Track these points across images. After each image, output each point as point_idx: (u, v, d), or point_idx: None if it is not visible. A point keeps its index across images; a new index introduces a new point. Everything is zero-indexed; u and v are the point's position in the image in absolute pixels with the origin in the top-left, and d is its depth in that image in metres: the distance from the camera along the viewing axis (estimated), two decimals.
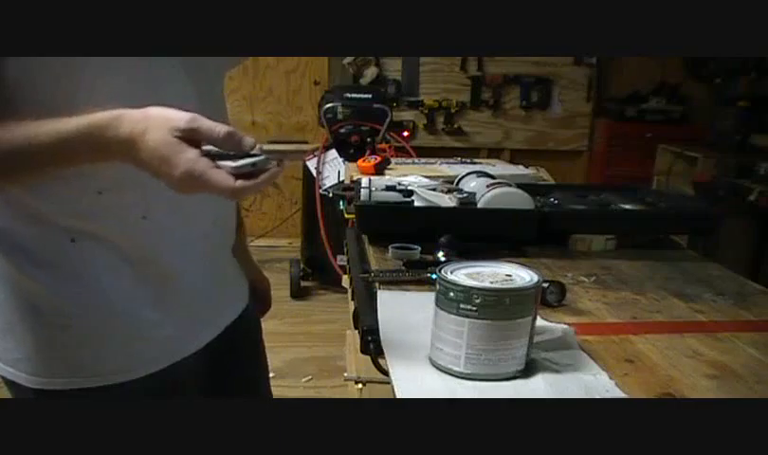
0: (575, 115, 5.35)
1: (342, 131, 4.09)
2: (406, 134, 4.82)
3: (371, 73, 5.01)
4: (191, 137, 0.84)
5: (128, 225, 1.00)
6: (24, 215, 0.98)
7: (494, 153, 5.06)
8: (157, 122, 0.84)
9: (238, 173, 0.84)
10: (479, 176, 1.77)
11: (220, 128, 0.85)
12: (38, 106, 0.89)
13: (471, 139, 5.28)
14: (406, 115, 5.14)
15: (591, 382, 0.92)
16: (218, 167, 0.84)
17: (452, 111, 5.21)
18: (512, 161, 3.64)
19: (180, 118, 0.85)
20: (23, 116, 0.88)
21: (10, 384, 1.03)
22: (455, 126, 5.26)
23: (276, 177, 0.87)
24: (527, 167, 2.43)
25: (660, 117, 5.19)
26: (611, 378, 0.94)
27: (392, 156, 2.83)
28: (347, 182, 2.48)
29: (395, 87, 5.11)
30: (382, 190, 1.71)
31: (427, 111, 5.20)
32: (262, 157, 0.86)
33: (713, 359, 1.02)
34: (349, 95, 4.21)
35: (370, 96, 4.22)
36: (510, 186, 1.62)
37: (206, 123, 0.86)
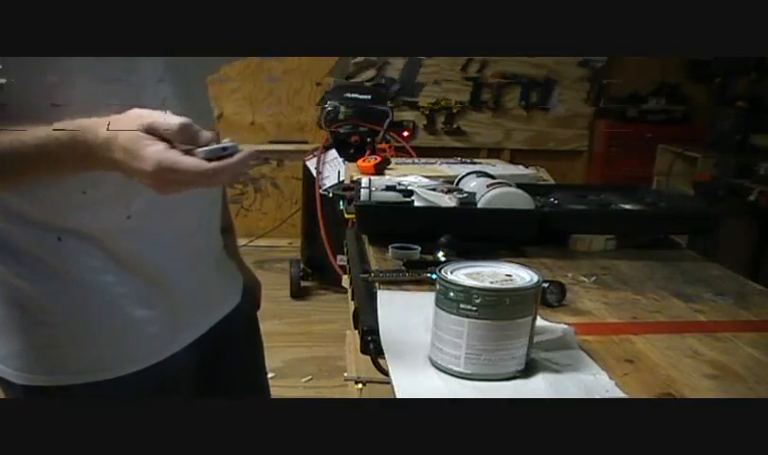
0: (575, 115, 5.35)
1: (342, 131, 4.09)
2: (406, 134, 4.81)
3: (371, 73, 5.01)
4: (153, 133, 0.84)
5: (113, 224, 1.01)
6: (10, 214, 0.98)
7: (494, 153, 5.06)
8: (127, 120, 0.85)
9: (210, 158, 0.83)
10: (479, 176, 1.78)
11: (174, 119, 0.85)
12: (16, 109, 0.89)
13: (471, 139, 5.28)
14: (406, 115, 5.14)
15: (591, 382, 0.92)
16: (189, 153, 0.83)
17: (453, 111, 5.22)
18: (512, 161, 3.63)
19: (147, 114, 0.85)
20: (7, 120, 0.88)
21: (0, 380, 1.04)
22: (455, 126, 5.26)
23: (251, 160, 0.86)
24: (527, 167, 2.43)
25: (660, 117, 5.20)
26: (611, 378, 0.94)
27: (392, 156, 2.83)
28: (347, 182, 2.49)
29: (396, 87, 5.12)
30: (382, 190, 1.71)
31: (427, 111, 5.20)
32: (232, 144, 0.85)
33: (713, 359, 1.02)
34: (349, 95, 4.20)
35: (370, 96, 4.22)
36: (510, 186, 1.62)
37: (159, 116, 0.85)
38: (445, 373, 0.94)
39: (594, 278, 1.38)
